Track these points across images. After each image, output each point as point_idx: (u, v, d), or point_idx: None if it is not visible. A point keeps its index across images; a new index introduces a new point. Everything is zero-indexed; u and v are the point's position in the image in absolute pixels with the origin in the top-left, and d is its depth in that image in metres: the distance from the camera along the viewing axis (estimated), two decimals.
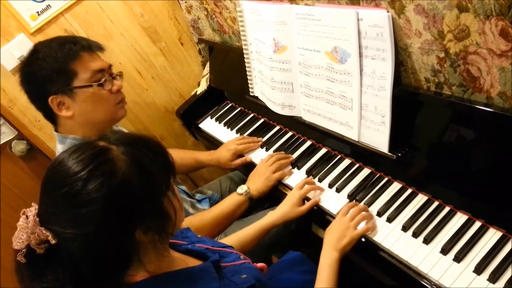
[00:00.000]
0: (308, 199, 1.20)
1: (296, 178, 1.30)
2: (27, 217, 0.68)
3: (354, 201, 1.13)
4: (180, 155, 1.56)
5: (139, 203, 0.69)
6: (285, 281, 1.10)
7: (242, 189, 1.26)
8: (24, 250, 0.67)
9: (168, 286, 0.75)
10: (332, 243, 1.01)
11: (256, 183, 1.28)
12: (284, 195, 1.23)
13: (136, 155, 0.70)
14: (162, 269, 0.75)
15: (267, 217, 1.17)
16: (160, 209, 0.72)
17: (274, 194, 1.30)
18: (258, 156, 1.44)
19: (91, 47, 1.15)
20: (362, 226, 1.05)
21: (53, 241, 0.66)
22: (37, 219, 0.68)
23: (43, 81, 1.11)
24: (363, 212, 1.07)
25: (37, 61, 1.11)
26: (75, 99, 1.13)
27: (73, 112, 1.14)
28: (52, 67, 1.10)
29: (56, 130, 1.21)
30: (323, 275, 0.97)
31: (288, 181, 1.30)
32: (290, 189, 1.26)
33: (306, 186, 1.20)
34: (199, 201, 1.49)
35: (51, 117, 1.18)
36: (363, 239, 1.05)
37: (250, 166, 1.41)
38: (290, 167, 1.33)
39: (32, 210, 0.69)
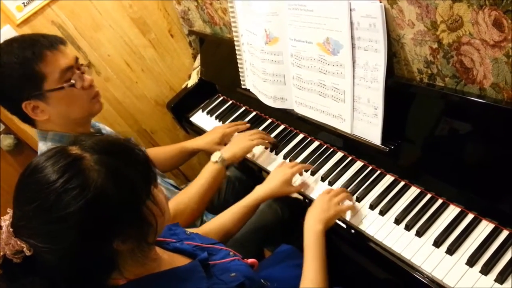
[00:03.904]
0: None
1: None
2: (0, 227, 0.66)
3: None
4: (164, 150, 1.54)
5: (115, 214, 0.66)
6: (275, 275, 1.09)
7: (215, 156, 1.24)
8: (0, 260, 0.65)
9: (154, 287, 0.73)
10: (316, 216, 1.01)
11: (232, 149, 1.28)
12: None
13: (111, 164, 0.67)
14: (144, 274, 0.74)
15: (253, 192, 1.15)
16: (139, 218, 0.69)
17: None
18: None
19: (53, 44, 1.08)
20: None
21: (28, 253, 0.64)
22: (11, 229, 0.65)
23: (12, 89, 1.06)
24: (345, 193, 1.08)
25: (0, 70, 1.05)
26: (48, 102, 1.08)
27: (49, 115, 1.10)
28: (18, 73, 1.04)
29: (36, 127, 1.18)
30: (310, 251, 0.96)
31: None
32: None
33: (299, 165, 1.20)
34: None
35: (28, 120, 1.14)
36: (352, 231, 1.05)
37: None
38: (272, 139, 1.36)
39: (7, 219, 0.66)
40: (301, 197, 1.22)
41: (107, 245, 0.67)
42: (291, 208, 1.36)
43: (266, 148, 1.38)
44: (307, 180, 1.22)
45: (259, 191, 1.14)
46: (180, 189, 1.44)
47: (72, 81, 1.10)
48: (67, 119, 1.13)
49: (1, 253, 0.65)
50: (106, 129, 1.38)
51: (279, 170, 1.19)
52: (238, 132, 1.47)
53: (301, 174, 1.23)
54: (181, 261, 0.82)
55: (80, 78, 1.12)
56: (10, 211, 0.68)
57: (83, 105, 1.15)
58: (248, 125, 1.49)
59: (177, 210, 1.14)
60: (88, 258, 0.67)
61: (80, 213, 0.63)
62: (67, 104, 1.11)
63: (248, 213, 1.13)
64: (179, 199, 1.19)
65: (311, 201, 1.17)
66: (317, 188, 1.19)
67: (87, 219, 0.64)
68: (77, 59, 1.14)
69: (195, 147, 1.50)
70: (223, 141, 1.45)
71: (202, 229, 1.09)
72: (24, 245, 0.64)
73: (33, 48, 1.05)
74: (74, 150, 0.67)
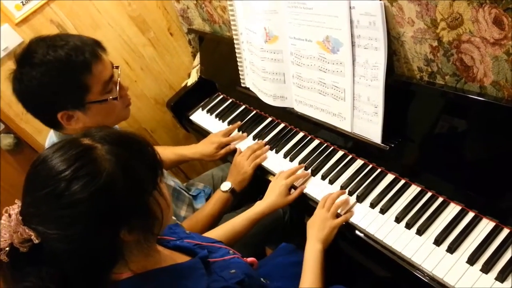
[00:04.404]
0: (294, 187, 1.20)
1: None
2: (9, 215, 0.66)
3: (347, 192, 1.12)
4: (161, 151, 1.53)
5: (124, 203, 0.67)
6: (275, 273, 1.09)
7: (226, 186, 1.29)
8: (7, 249, 0.65)
9: (155, 283, 0.74)
10: (314, 235, 1.04)
11: (236, 178, 1.32)
12: None
13: (121, 154, 0.68)
14: (147, 267, 0.74)
15: (254, 207, 1.17)
16: (145, 209, 0.70)
17: (265, 185, 1.29)
18: (245, 144, 1.43)
19: (96, 54, 1.04)
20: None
21: (36, 241, 0.65)
22: (20, 217, 0.66)
23: (51, 97, 1.01)
24: (338, 201, 1.09)
25: (41, 76, 0.98)
26: (87, 112, 1.06)
27: (83, 123, 1.07)
28: (62, 82, 1.00)
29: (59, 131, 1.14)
30: (308, 266, 0.99)
31: (276, 170, 1.30)
32: None
33: (293, 176, 1.21)
34: (195, 197, 1.48)
35: (54, 125, 1.10)
36: (353, 229, 1.04)
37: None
38: (265, 154, 1.36)
39: (15, 208, 0.67)
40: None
41: (114, 234, 0.68)
42: (292, 208, 1.36)
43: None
44: (307, 179, 1.22)
45: (259, 207, 1.17)
46: (185, 190, 1.44)
47: (115, 94, 1.08)
48: (97, 126, 1.08)
49: (9, 242, 0.65)
50: (117, 127, 1.38)
51: (274, 184, 1.21)
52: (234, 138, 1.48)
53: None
54: (181, 258, 0.83)
55: (119, 88, 1.10)
56: (18, 201, 0.69)
57: (119, 114, 1.14)
58: (245, 137, 1.47)
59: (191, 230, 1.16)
60: (95, 247, 0.68)
61: (90, 200, 0.64)
62: (106, 114, 1.09)
63: (250, 226, 1.15)
64: (193, 223, 1.23)
65: (312, 200, 1.18)
66: (317, 187, 1.19)
67: (97, 206, 0.65)
68: (112, 65, 1.11)
69: (194, 158, 1.52)
70: (219, 151, 1.46)
71: (211, 234, 1.10)
72: (32, 233, 0.65)
73: (80, 57, 1.01)
74: (86, 141, 0.69)
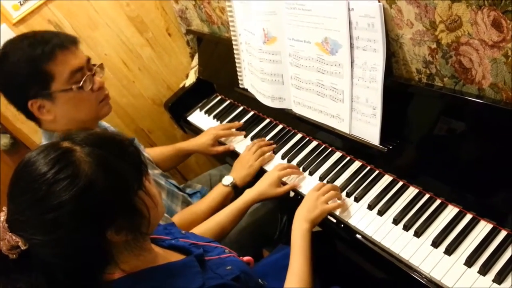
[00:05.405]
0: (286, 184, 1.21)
1: None
2: None
3: (345, 194, 1.13)
4: (160, 151, 1.55)
5: (107, 204, 0.67)
6: (271, 274, 1.09)
7: (227, 180, 1.27)
8: None
9: (148, 282, 0.73)
10: (303, 215, 1.03)
11: (240, 173, 1.29)
12: None
13: (101, 155, 0.68)
14: (140, 267, 0.74)
15: (243, 196, 1.17)
16: (131, 208, 0.70)
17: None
18: (243, 145, 1.43)
19: (64, 44, 1.06)
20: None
21: (23, 247, 0.65)
22: (6, 225, 0.66)
23: (19, 86, 1.05)
24: (335, 191, 1.09)
25: (8, 66, 1.04)
26: (55, 102, 1.07)
27: (54, 115, 1.09)
28: (26, 71, 1.03)
29: (41, 127, 1.17)
30: (296, 247, 0.98)
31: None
32: None
33: (287, 169, 1.21)
34: (190, 195, 1.48)
35: (33, 118, 1.12)
36: (359, 236, 1.04)
37: (235, 156, 1.40)
38: (271, 152, 1.35)
39: (1, 216, 0.67)
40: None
41: (100, 236, 0.67)
42: (290, 211, 1.36)
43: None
44: (305, 180, 1.22)
45: (248, 194, 1.17)
46: (181, 189, 1.44)
47: (81, 84, 1.08)
48: (73, 120, 1.11)
49: None
50: (111, 129, 1.37)
51: (268, 173, 1.21)
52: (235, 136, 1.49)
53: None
54: (176, 257, 0.83)
55: (90, 80, 1.10)
56: (5, 208, 0.68)
57: (91, 108, 1.13)
58: (243, 134, 1.47)
59: (184, 223, 1.15)
60: (82, 250, 0.67)
61: (71, 202, 0.64)
62: (74, 105, 1.09)
63: (239, 215, 1.15)
64: (187, 216, 1.21)
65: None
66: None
67: (79, 209, 0.64)
68: (89, 59, 1.12)
69: (189, 149, 1.52)
70: (216, 143, 1.47)
71: (198, 229, 1.10)
72: (19, 240, 0.65)
73: (43, 47, 1.03)
74: (65, 144, 0.69)
